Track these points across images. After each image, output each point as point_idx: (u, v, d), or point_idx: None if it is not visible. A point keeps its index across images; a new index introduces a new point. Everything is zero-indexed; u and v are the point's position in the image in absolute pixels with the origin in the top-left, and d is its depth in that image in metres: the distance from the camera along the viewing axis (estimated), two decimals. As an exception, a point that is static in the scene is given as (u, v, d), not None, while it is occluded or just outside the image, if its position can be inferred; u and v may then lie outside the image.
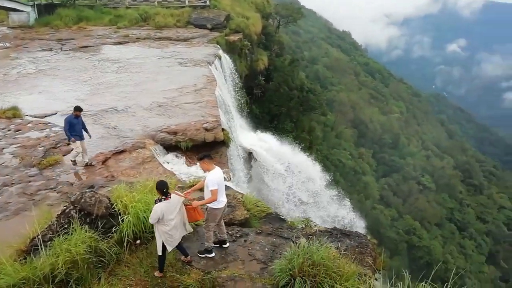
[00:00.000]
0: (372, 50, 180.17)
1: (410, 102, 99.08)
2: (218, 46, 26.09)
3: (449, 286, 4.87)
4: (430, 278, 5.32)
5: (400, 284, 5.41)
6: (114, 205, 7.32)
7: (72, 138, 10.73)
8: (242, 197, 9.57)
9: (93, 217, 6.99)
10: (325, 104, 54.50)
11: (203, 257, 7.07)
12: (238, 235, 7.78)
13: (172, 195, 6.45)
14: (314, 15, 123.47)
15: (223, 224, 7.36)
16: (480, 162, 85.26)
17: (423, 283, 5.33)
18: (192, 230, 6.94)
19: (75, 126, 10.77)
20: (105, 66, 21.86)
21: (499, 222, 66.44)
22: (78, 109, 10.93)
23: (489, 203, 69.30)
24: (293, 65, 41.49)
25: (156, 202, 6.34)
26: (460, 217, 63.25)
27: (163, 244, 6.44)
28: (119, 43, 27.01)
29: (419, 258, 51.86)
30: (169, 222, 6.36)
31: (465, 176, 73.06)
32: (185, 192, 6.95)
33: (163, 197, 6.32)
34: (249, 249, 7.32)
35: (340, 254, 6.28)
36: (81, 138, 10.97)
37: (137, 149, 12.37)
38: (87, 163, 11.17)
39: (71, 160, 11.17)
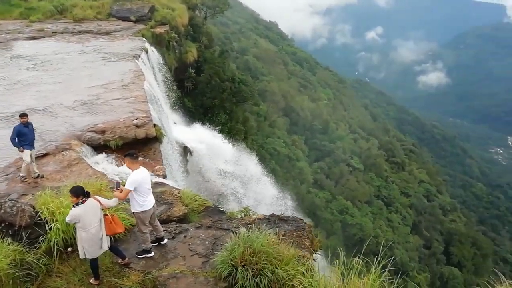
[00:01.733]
0: (298, 40, 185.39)
1: (337, 88, 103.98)
2: (144, 39, 25.13)
3: (379, 258, 5.20)
4: (362, 253, 5.63)
5: (336, 261, 5.69)
6: (39, 213, 6.81)
7: (21, 148, 9.60)
8: (179, 193, 9.42)
9: (16, 228, 6.46)
10: (257, 95, 55.26)
11: (141, 257, 6.87)
12: (177, 232, 7.67)
13: (89, 199, 6.10)
14: (240, 6, 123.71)
15: (158, 224, 7.20)
16: (400, 141, 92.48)
17: (357, 258, 5.65)
18: (107, 248, 6.39)
19: (26, 136, 9.60)
20: (19, 63, 20.01)
21: (420, 195, 72.88)
22: (23, 115, 9.69)
23: (410, 179, 75.61)
24: (223, 56, 41.38)
25: (73, 207, 6.01)
26: (386, 193, 68.23)
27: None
28: (34, 38, 24.82)
29: (353, 235, 55.18)
30: (87, 229, 6.00)
31: (389, 155, 78.74)
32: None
33: (80, 201, 6.00)
34: (189, 245, 7.25)
35: (279, 239, 6.47)
36: (31, 147, 9.86)
37: (62, 151, 11.58)
38: (38, 175, 10.12)
39: (21, 176, 9.94)
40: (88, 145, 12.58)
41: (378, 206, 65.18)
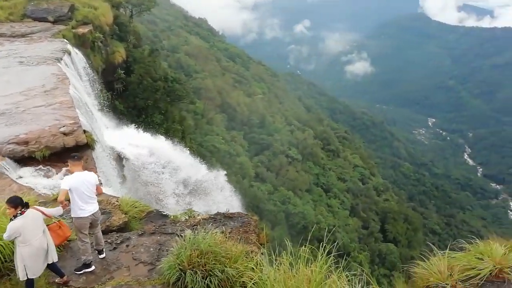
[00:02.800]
0: (229, 35, 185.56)
1: (271, 82, 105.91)
2: (66, 40, 23.50)
3: (324, 243, 5.35)
4: (308, 240, 5.77)
5: (284, 252, 5.77)
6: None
7: None
8: (117, 201, 8.99)
9: None
10: (192, 92, 54.39)
11: (81, 273, 6.45)
12: (118, 242, 7.31)
13: (28, 210, 5.63)
14: (168, 3, 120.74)
15: (99, 233, 6.82)
16: (334, 129, 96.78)
17: (303, 247, 5.78)
18: (57, 259, 6.01)
19: None
20: None
21: (355, 179, 77.02)
22: None
23: (345, 164, 79.56)
24: (154, 55, 40.14)
25: (11, 220, 5.48)
26: (324, 180, 71.16)
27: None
28: None
29: (296, 223, 56.89)
30: (29, 243, 5.51)
31: (324, 143, 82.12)
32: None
33: (19, 212, 5.51)
34: (133, 254, 6.95)
35: (226, 237, 6.43)
36: None
37: (-21, 168, 10.48)
38: None
39: None
40: (10, 158, 11.50)
41: (318, 193, 67.79)
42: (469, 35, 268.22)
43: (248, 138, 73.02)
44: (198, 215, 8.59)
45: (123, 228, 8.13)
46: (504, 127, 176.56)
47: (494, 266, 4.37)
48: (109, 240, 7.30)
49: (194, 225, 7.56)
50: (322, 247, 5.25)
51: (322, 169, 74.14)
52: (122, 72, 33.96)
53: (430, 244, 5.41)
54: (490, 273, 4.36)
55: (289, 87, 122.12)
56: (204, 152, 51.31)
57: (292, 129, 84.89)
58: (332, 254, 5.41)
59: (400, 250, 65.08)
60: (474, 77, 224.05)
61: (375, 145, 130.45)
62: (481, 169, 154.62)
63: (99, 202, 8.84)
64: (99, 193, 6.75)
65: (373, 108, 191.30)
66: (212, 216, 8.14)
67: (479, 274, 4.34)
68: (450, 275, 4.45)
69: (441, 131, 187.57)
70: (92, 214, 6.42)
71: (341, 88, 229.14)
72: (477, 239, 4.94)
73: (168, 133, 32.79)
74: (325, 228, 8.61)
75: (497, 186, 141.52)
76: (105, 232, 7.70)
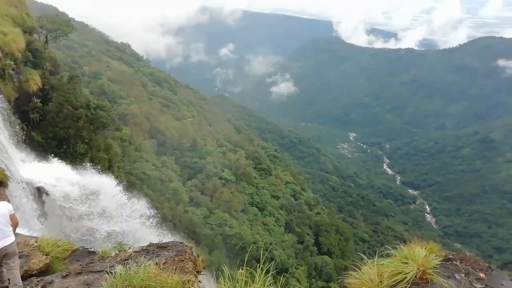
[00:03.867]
0: (154, 60, 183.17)
1: (199, 105, 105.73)
2: (-31, 69, 21.36)
3: (261, 263, 5.35)
4: (245, 262, 5.71)
5: (221, 277, 5.67)
6: None
7: None
8: (36, 241, 8.21)
9: None
10: (117, 119, 52.17)
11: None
12: (39, 287, 6.64)
13: None
14: (87, 28, 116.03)
15: (16, 270, 6.16)
16: (264, 148, 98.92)
17: (241, 269, 5.72)
18: None
19: None
20: None
21: (288, 195, 78.95)
22: None
23: (277, 182, 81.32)
24: (73, 82, 37.92)
25: None
26: (259, 199, 71.89)
27: None
28: None
29: (234, 245, 56.37)
30: None
31: (256, 163, 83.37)
32: None
33: None
34: (57, 298, 6.36)
35: (161, 269, 6.17)
36: None
37: None
38: None
39: None
40: None
41: (253, 213, 68.12)
42: (378, 56, 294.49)
43: (180, 162, 71.53)
44: (129, 248, 8.14)
45: (45, 271, 7.42)
46: (415, 138, 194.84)
47: (418, 268, 4.69)
48: (28, 286, 6.61)
49: (125, 259, 7.15)
50: (259, 268, 5.26)
51: (256, 188, 74.92)
52: (39, 100, 31.55)
53: (361, 253, 5.70)
54: (415, 276, 4.68)
55: (218, 110, 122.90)
56: (134, 180, 49.13)
57: (224, 150, 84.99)
58: (270, 273, 5.44)
59: (335, 261, 67.46)
60: (386, 94, 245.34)
61: (303, 161, 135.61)
62: (399, 177, 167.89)
63: (16, 244, 8.03)
64: (14, 223, 6.16)
65: (299, 126, 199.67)
66: (145, 247, 7.77)
67: (406, 277, 4.63)
68: (381, 281, 4.70)
69: (361, 145, 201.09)
70: (4, 247, 5.84)
71: (268, 108, 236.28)
72: (401, 244, 5.30)
73: (94, 163, 30.93)
74: (262, 247, 8.68)
75: (414, 192, 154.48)
76: (24, 278, 6.97)
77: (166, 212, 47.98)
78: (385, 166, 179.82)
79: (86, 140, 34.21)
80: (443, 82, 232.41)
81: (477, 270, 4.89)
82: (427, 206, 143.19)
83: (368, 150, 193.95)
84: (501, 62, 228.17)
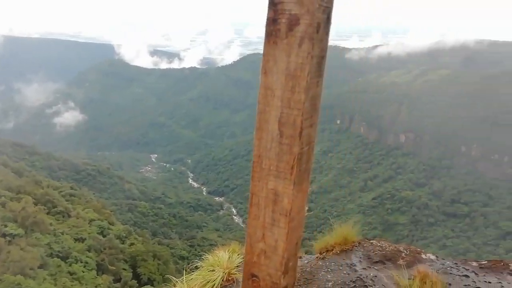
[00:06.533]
0: None
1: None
2: None
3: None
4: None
5: None
6: None
7: None
8: None
9: None
10: None
11: None
12: None
13: None
14: None
15: None
16: (57, 188, 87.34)
17: None
18: None
19: None
20: None
21: (94, 234, 71.86)
22: None
23: (80, 222, 73.00)
24: None
25: None
26: (59, 247, 62.75)
27: None
28: None
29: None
30: None
31: (49, 207, 72.80)
32: None
33: None
34: None
35: None
36: None
37: None
38: None
39: None
40: None
41: (55, 265, 58.97)
42: (165, 76, 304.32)
43: None
44: None
45: None
46: (211, 149, 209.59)
47: (224, 272, 4.87)
48: None
49: None
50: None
51: (54, 235, 65.13)
52: None
53: (181, 272, 5.54)
54: (222, 279, 4.84)
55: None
56: None
57: (3, 201, 70.51)
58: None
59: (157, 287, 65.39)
60: (179, 111, 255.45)
61: (106, 193, 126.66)
62: (204, 188, 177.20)
63: None
64: None
65: (96, 156, 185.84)
66: None
67: (214, 284, 4.74)
68: (192, 297, 4.66)
69: (164, 164, 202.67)
70: None
71: (54, 142, 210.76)
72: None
73: None
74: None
75: (220, 198, 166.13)
76: None
77: None
78: (190, 181, 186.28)
79: None
80: (226, 95, 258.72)
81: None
82: (233, 209, 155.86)
83: (172, 168, 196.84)
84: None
